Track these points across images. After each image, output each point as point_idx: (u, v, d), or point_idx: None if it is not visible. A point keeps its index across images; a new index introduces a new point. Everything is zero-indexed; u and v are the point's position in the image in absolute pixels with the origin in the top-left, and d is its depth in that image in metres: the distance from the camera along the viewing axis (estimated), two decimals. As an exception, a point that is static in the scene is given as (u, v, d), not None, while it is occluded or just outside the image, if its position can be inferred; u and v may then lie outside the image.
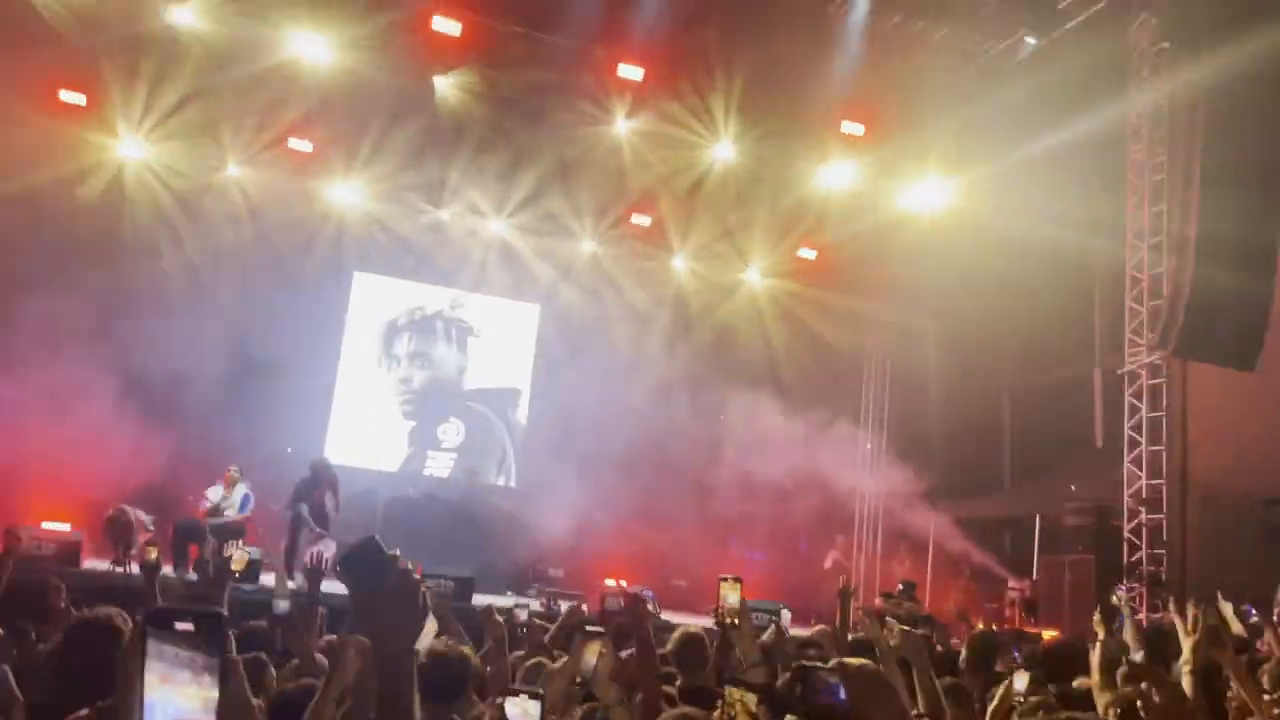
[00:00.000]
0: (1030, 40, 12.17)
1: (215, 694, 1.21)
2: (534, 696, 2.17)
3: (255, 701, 1.27)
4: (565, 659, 3.04)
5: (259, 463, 12.46)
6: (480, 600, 10.62)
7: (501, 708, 2.04)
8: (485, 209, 15.45)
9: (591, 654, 3.06)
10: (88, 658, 2.80)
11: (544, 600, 12.33)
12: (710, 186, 14.62)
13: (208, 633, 1.22)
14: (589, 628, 3.37)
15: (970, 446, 15.48)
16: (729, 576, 3.50)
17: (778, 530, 15.29)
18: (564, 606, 11.74)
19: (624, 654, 3.59)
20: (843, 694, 1.85)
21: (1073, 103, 12.05)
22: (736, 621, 3.42)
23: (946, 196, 14.02)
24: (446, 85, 12.99)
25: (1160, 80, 11.59)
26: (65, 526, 9.95)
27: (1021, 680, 3.72)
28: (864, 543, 15.99)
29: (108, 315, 12.30)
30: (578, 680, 3.06)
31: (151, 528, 10.43)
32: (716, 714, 2.38)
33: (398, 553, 1.75)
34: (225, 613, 1.26)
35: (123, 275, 12.94)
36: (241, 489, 10.80)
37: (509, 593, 12.95)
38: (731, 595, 3.47)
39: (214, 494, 10.79)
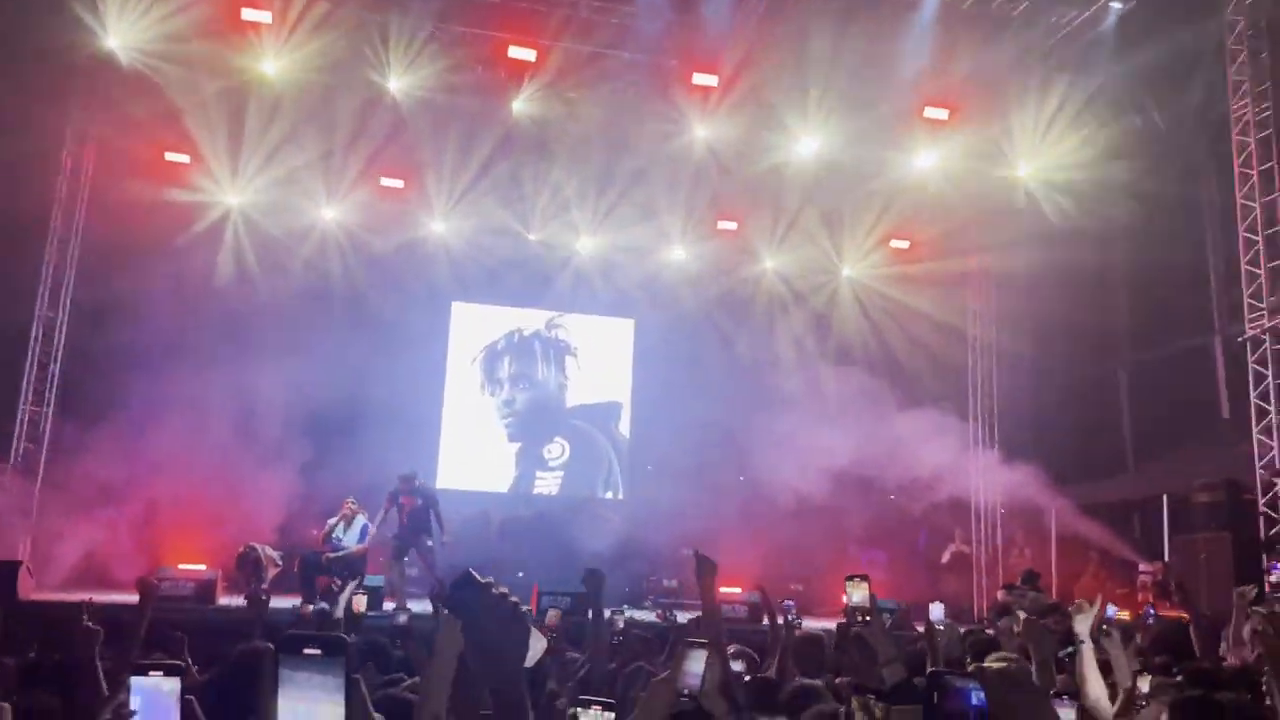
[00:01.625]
0: (1116, 4, 11.74)
1: (342, 711, 1.31)
2: (608, 708, 2.15)
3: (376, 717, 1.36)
4: (669, 670, 3.00)
5: (374, 493, 12.83)
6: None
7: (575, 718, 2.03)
8: (573, 228, 15.65)
9: (697, 664, 2.99)
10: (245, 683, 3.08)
11: (660, 611, 12.38)
12: (794, 185, 14.53)
13: (332, 656, 1.31)
14: (691, 639, 3.34)
15: (1088, 429, 14.94)
16: (855, 575, 3.47)
17: (893, 529, 15.02)
18: (680, 617, 11.80)
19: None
20: (975, 699, 1.80)
21: (1170, 61, 11.61)
22: (868, 619, 3.38)
23: (1040, 175, 13.60)
24: (525, 110, 13.26)
25: (1264, 36, 11.08)
26: (202, 567, 10.45)
27: (1144, 682, 3.60)
28: (983, 535, 15.55)
29: (220, 362, 12.88)
30: (684, 694, 3.00)
31: (280, 563, 10.87)
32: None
33: (493, 580, 1.86)
34: (347, 638, 1.35)
35: (231, 321, 13.54)
36: (360, 520, 11.13)
37: (625, 606, 13.04)
38: (857, 593, 3.43)
39: (334, 526, 11.12)
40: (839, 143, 13.66)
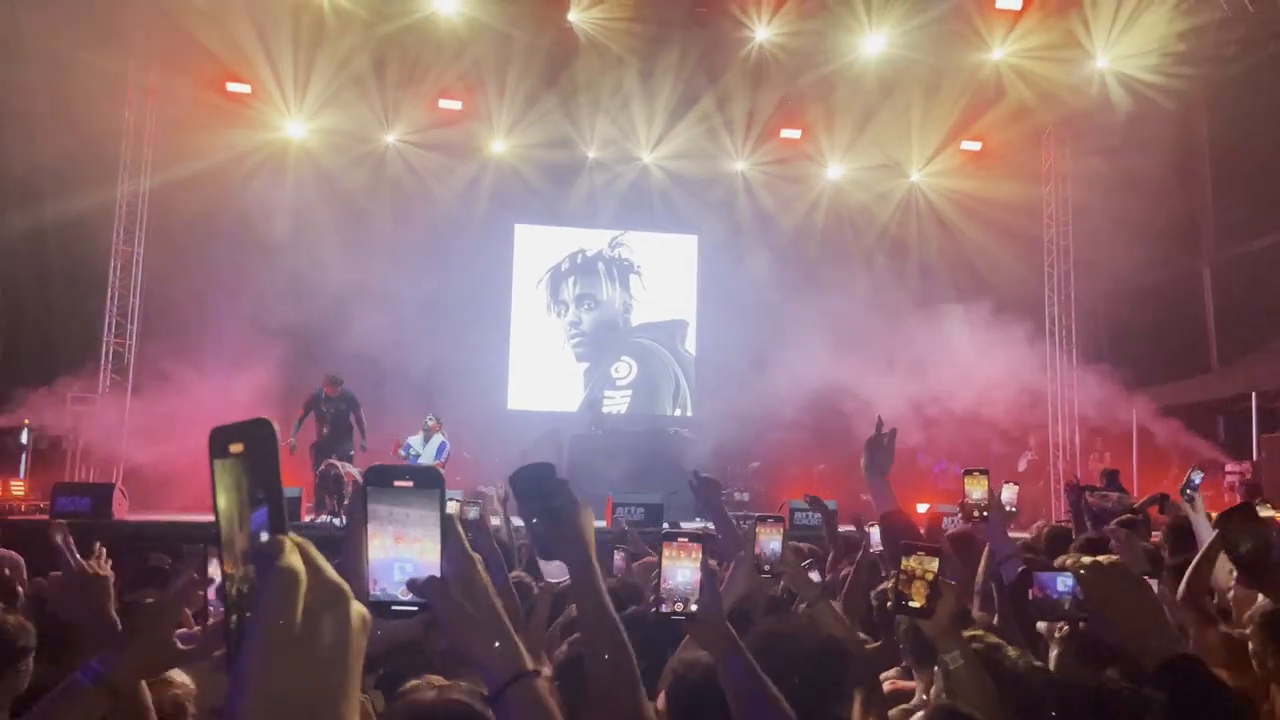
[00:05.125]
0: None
1: (437, 547, 1.25)
2: (694, 539, 2.01)
3: (474, 555, 1.30)
4: (745, 551, 3.03)
5: (446, 414, 12.99)
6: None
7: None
8: (633, 145, 15.41)
9: (775, 542, 3.05)
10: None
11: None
12: (859, 89, 14.06)
13: (426, 489, 1.24)
14: (766, 514, 3.36)
15: (1169, 329, 14.46)
16: (976, 470, 3.41)
17: (968, 438, 14.78)
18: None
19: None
20: (1061, 586, 1.75)
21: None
22: (986, 514, 3.32)
23: (1119, 64, 12.94)
24: (581, 23, 12.95)
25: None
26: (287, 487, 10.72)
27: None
28: (1060, 441, 15.23)
29: (289, 289, 13.04)
30: (765, 569, 3.05)
31: (361, 479, 11.08)
32: (889, 582, 2.33)
33: (553, 465, 1.85)
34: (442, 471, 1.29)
35: (298, 248, 13.62)
36: (438, 438, 11.31)
37: (697, 519, 13.13)
38: (977, 489, 3.36)
39: (415, 443, 11.33)
40: (906, 40, 13.12)
